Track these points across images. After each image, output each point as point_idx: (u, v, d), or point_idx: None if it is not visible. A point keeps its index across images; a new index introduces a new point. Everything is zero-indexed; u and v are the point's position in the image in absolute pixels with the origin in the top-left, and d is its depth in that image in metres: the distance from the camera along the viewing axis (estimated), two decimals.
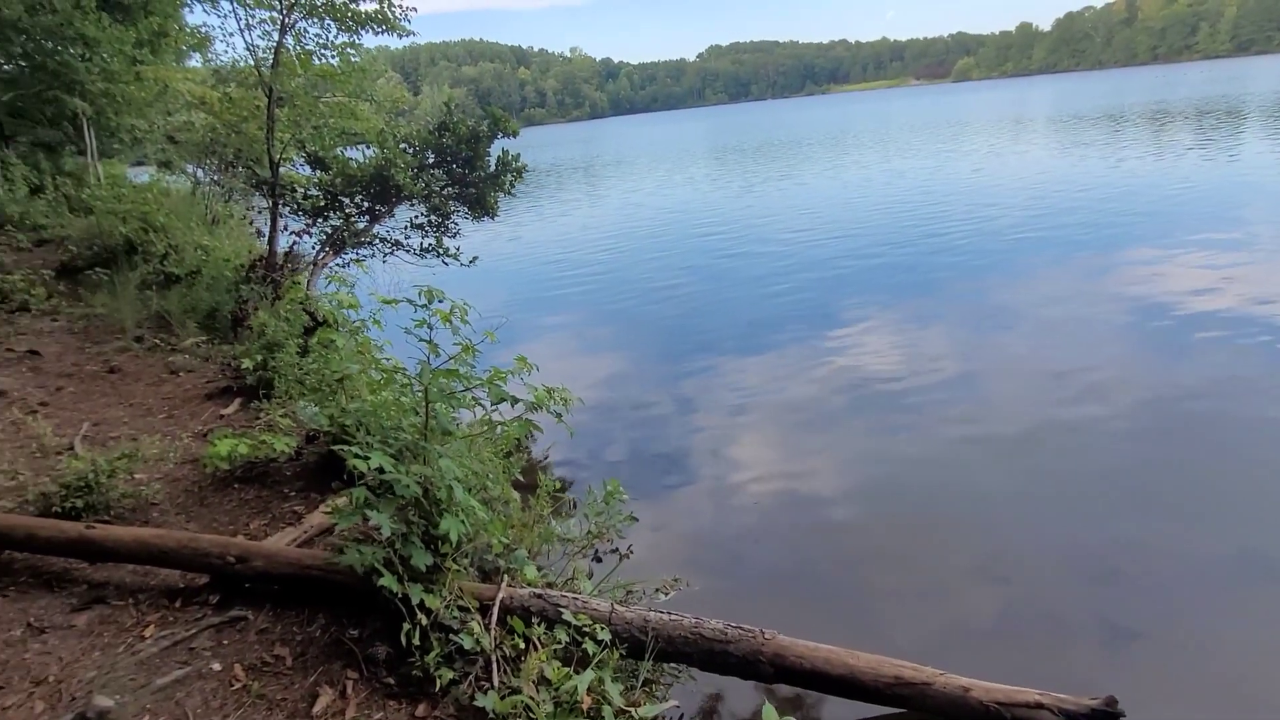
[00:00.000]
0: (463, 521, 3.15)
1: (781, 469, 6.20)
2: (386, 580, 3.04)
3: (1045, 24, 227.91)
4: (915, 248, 13.36)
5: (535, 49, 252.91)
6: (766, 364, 8.54)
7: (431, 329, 3.34)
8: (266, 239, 9.42)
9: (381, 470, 3.05)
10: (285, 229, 9.66)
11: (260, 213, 12.87)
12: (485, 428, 3.79)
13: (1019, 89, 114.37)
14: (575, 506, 4.70)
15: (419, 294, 3.30)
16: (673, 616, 3.42)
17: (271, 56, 8.88)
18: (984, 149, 30.16)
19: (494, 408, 3.52)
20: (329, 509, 4.08)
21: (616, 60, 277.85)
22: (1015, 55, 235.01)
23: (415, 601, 3.02)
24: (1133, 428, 6.21)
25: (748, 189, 24.92)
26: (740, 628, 3.38)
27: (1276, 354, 7.22)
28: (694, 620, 3.41)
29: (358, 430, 3.51)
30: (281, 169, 9.49)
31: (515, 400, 3.39)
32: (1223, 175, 17.93)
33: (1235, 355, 7.34)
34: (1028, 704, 3.11)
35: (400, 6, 9.13)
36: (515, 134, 8.81)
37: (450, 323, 3.31)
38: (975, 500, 5.50)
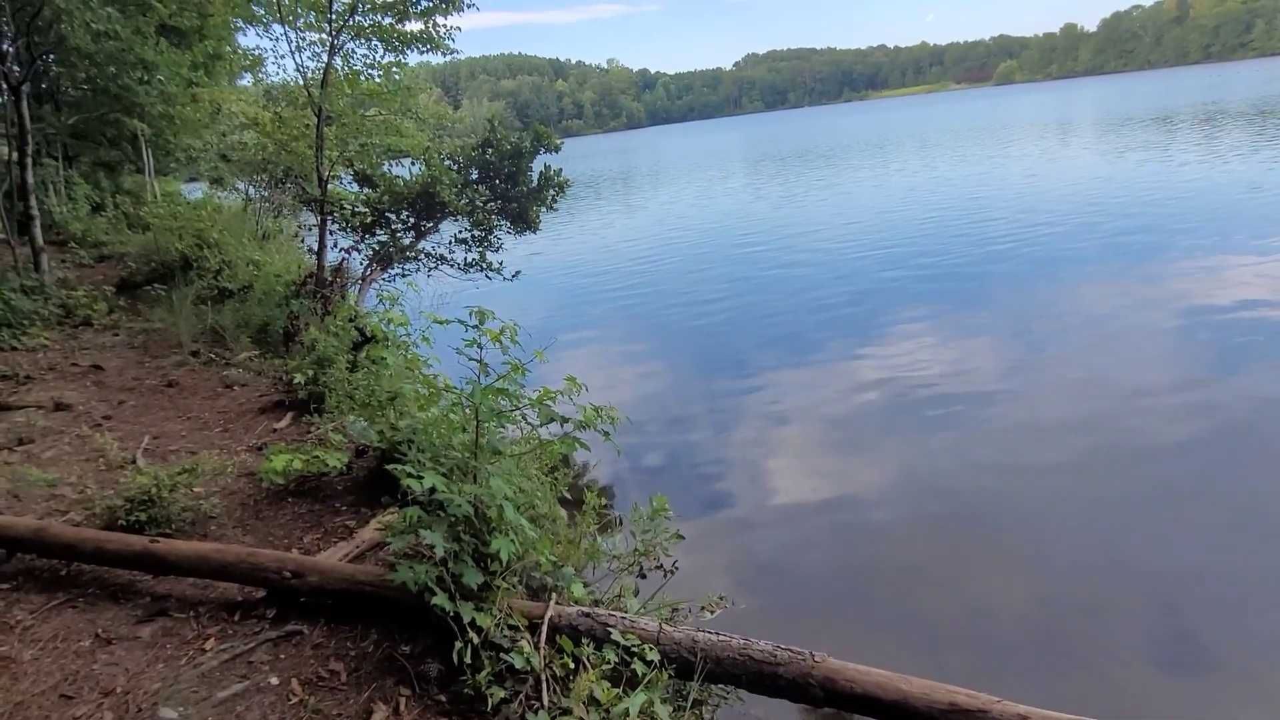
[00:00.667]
0: (513, 540, 3.18)
1: (825, 484, 6.13)
2: (439, 599, 3.07)
3: (1091, 25, 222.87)
4: (961, 256, 13.13)
5: (573, 61, 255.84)
6: (809, 377, 8.47)
7: (481, 348, 3.39)
8: (316, 255, 9.67)
9: (434, 490, 3.09)
10: (334, 245, 9.90)
11: (310, 229, 13.20)
12: (533, 445, 3.82)
13: (1065, 91, 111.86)
14: (620, 523, 4.71)
15: (470, 314, 3.34)
16: (721, 637, 3.39)
17: (321, 77, 9.13)
18: (1032, 154, 29.56)
19: (542, 425, 3.55)
20: (381, 526, 4.15)
21: (653, 71, 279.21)
22: (1060, 57, 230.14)
23: (467, 620, 3.05)
24: (1188, 441, 6.02)
25: (788, 198, 24.80)
26: (790, 649, 3.34)
27: None
28: (742, 641, 3.38)
29: (409, 448, 3.56)
30: (330, 186, 9.74)
31: (565, 420, 3.42)
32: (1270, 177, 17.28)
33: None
34: None
35: (445, 26, 9.32)
36: (557, 149, 8.92)
37: (500, 342, 3.35)
38: (1025, 517, 5.38)
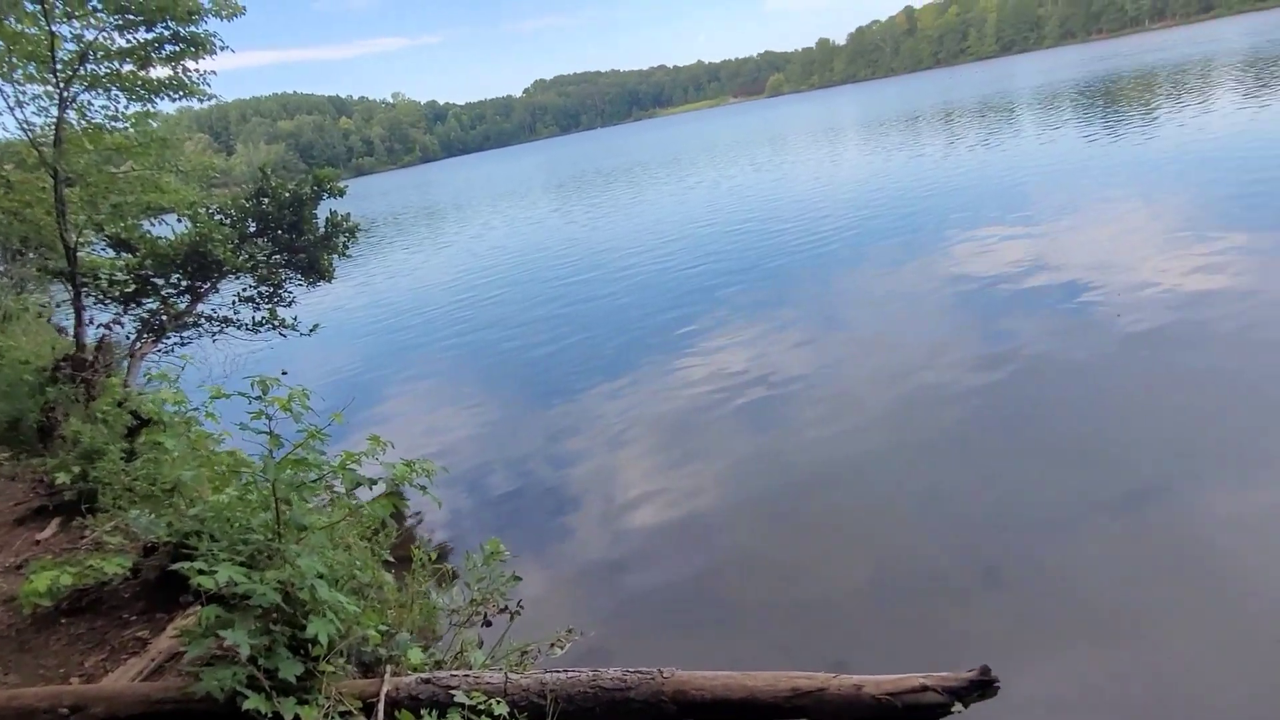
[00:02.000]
0: (332, 620, 2.95)
1: (665, 496, 6.28)
2: (253, 701, 2.78)
3: (841, 39, 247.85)
4: (762, 257, 14.05)
5: (355, 98, 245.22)
6: (636, 389, 8.66)
7: (270, 419, 3.12)
8: (72, 333, 8.50)
9: (234, 582, 2.80)
10: (92, 321, 8.76)
11: (61, 305, 11.59)
12: (345, 513, 3.58)
13: (828, 99, 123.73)
14: (453, 576, 4.53)
15: (252, 384, 3.08)
16: (570, 674, 3.35)
17: (53, 134, 8.06)
18: (814, 158, 32.27)
19: (351, 491, 3.33)
20: (177, 632, 3.70)
21: (442, 102, 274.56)
22: (819, 69, 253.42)
23: (289, 717, 2.78)
24: (972, 392, 6.81)
25: (596, 218, 25.30)
26: (639, 671, 3.36)
27: (1076, 309, 8.18)
28: (591, 673, 3.35)
29: (200, 539, 3.21)
30: (81, 254, 8.61)
31: (373, 482, 3.23)
32: (1008, 161, 20.18)
33: (1046, 313, 8.25)
34: (914, 688, 3.28)
35: (197, 70, 8.58)
36: (341, 194, 8.47)
37: (291, 409, 3.11)
38: (851, 488, 5.82)
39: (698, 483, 6.34)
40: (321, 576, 3.00)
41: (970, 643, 3.96)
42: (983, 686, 3.30)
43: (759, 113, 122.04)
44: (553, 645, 4.17)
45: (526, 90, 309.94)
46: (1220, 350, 6.79)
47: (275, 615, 3.00)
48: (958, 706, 3.25)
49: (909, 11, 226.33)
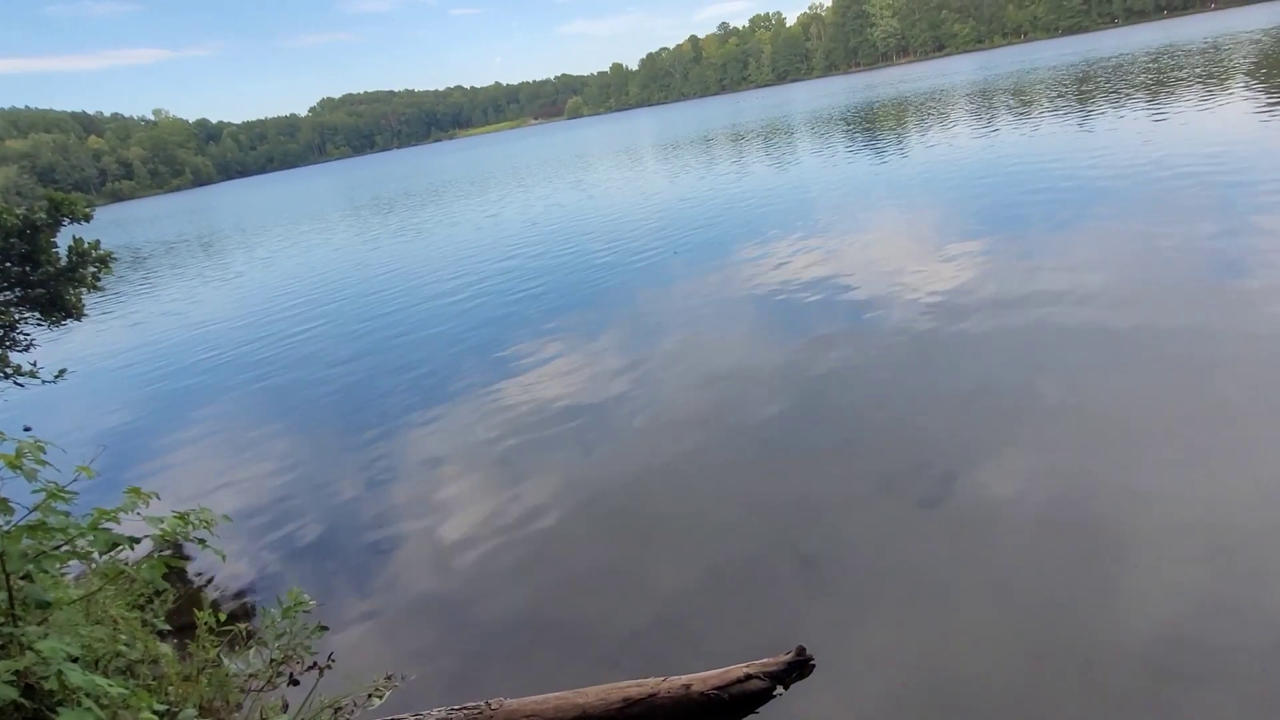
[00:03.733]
0: (91, 709, 2.51)
1: (486, 518, 6.07)
2: None
3: (634, 64, 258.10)
4: (573, 276, 14.13)
5: (106, 114, 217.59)
6: (453, 417, 8.33)
7: None
8: None
9: None
10: None
11: None
12: (107, 581, 3.08)
13: (624, 121, 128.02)
14: (247, 636, 4.06)
15: None
16: None
17: None
18: (611, 178, 33.10)
19: (110, 555, 2.87)
20: None
21: (216, 121, 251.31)
22: (615, 92, 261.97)
23: None
24: (777, 392, 7.24)
25: (398, 243, 24.22)
26: (465, 707, 3.20)
27: (861, 312, 9.00)
28: (413, 718, 3.14)
29: None
30: None
31: (134, 541, 2.80)
32: (792, 179, 21.96)
33: (836, 316, 8.99)
34: (739, 679, 3.41)
35: None
36: (86, 219, 7.38)
37: (21, 468, 2.63)
38: (677, 496, 5.93)
39: (521, 506, 6.20)
40: (75, 659, 2.55)
41: (793, 628, 4.18)
42: (800, 667, 3.49)
43: (560, 134, 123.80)
44: (370, 695, 3.86)
45: (313, 109, 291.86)
46: (978, 341, 7.77)
47: (14, 715, 2.50)
48: (779, 690, 3.41)
49: (694, 41, 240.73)
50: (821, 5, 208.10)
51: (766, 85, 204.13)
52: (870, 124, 36.59)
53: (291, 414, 9.42)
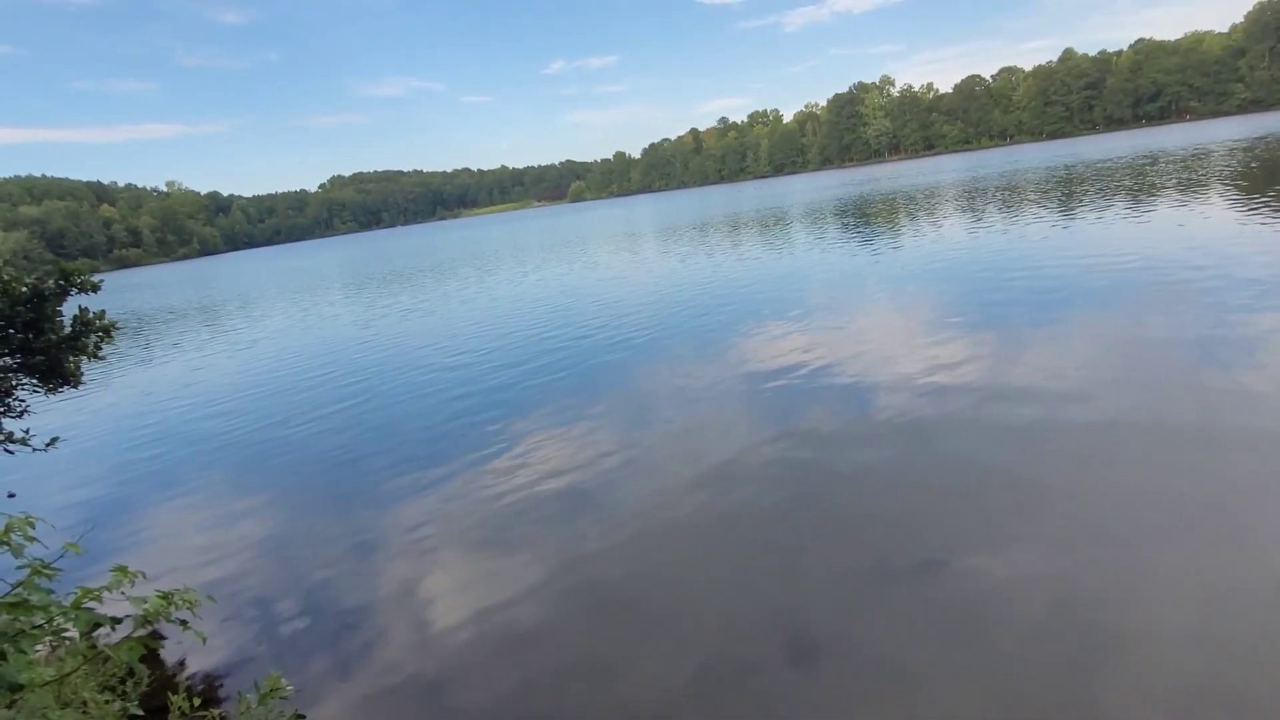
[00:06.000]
0: None
1: (476, 598, 5.94)
2: None
3: (636, 152, 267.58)
4: (569, 354, 14.25)
5: (120, 184, 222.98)
6: (445, 492, 8.26)
7: None
8: None
9: None
10: None
11: None
12: (81, 662, 3.00)
13: (627, 207, 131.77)
14: None
15: None
16: None
17: None
18: (611, 261, 33.79)
19: (90, 635, 2.81)
20: None
21: (226, 193, 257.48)
22: (618, 178, 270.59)
23: None
24: (768, 476, 7.20)
25: (400, 317, 24.47)
26: None
27: (852, 397, 9.06)
28: None
29: None
30: None
31: (115, 621, 2.75)
32: (787, 267, 22.45)
33: (828, 402, 9.03)
34: None
35: None
36: (94, 289, 7.49)
37: (9, 542, 2.61)
38: (663, 579, 5.84)
39: (507, 589, 6.09)
40: None
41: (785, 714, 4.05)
42: None
43: (564, 216, 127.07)
44: None
45: (323, 185, 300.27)
46: (969, 431, 7.81)
47: None
48: None
49: (695, 133, 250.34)
50: (817, 104, 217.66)
51: (764, 176, 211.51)
52: (864, 216, 37.69)
53: (281, 487, 9.32)
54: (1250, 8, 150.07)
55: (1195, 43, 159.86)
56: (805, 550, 5.98)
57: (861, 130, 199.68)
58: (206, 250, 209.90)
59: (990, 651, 4.47)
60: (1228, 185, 27.55)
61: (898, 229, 29.19)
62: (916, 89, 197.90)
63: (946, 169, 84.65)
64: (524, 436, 9.69)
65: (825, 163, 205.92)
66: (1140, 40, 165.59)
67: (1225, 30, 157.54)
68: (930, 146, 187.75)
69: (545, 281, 28.09)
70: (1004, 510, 6.11)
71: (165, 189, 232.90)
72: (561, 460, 8.64)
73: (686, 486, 7.49)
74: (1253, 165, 34.26)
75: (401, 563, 6.79)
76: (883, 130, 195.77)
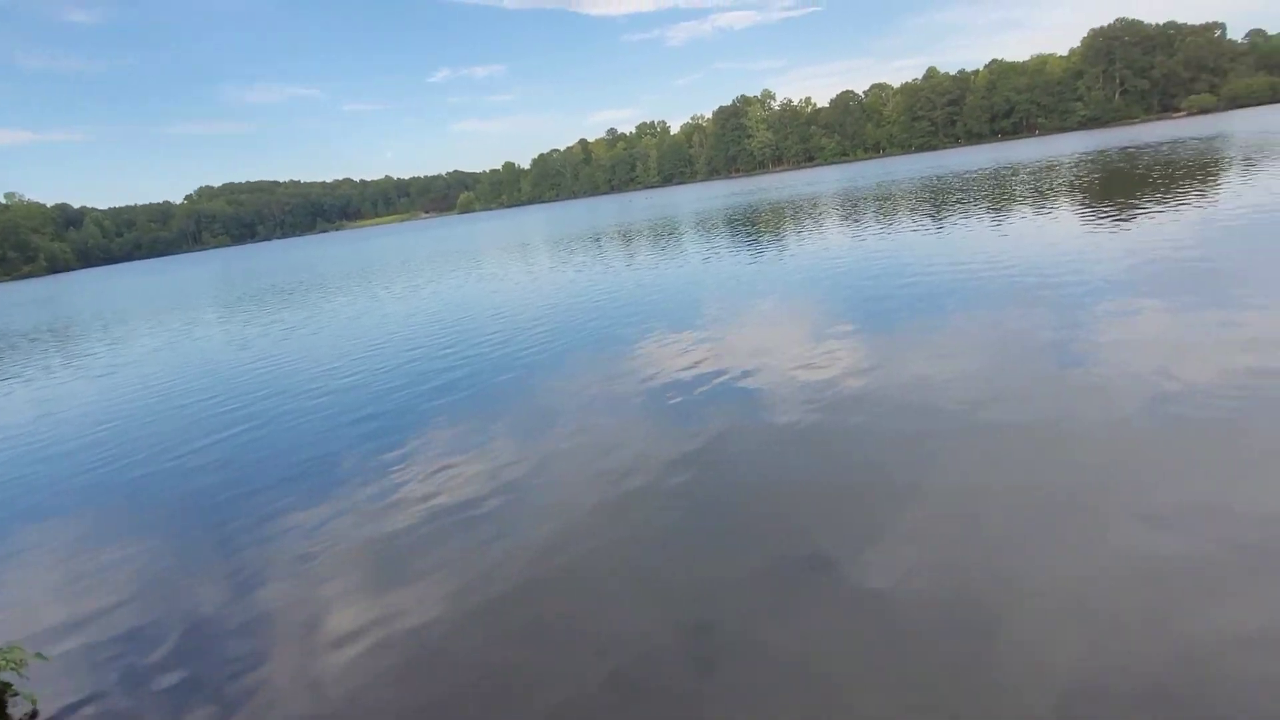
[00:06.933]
0: None
1: (369, 624, 5.66)
2: None
3: (525, 163, 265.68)
4: (459, 365, 13.90)
5: None
6: (331, 511, 7.85)
7: None
8: None
9: None
10: None
11: None
12: None
13: (517, 217, 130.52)
14: None
15: None
16: None
17: None
18: (504, 272, 33.32)
19: None
20: None
21: (78, 205, 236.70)
22: (507, 189, 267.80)
23: None
24: (668, 481, 7.26)
25: (280, 333, 23.15)
26: None
27: (746, 400, 9.29)
28: None
29: None
30: None
31: None
32: (682, 275, 22.84)
33: (722, 405, 9.21)
34: None
35: None
36: None
37: None
38: (570, 590, 5.74)
39: (406, 611, 5.84)
40: None
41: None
42: None
43: (453, 228, 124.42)
44: None
45: (189, 197, 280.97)
46: (857, 431, 8.17)
47: None
48: None
49: (584, 144, 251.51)
50: (703, 116, 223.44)
51: (653, 186, 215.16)
52: (753, 225, 38.91)
53: (152, 529, 8.58)
54: (1085, 34, 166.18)
55: (1040, 65, 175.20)
56: (709, 555, 6.06)
57: (746, 142, 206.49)
58: (56, 268, 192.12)
59: (885, 641, 4.68)
60: (1074, 195, 30.27)
61: (785, 237, 30.32)
62: (796, 103, 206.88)
63: (826, 179, 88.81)
64: (421, 458, 9.37)
65: (713, 173, 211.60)
66: (994, 61, 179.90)
67: (1065, 54, 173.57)
68: (810, 158, 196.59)
69: (439, 295, 27.37)
70: (891, 506, 6.41)
71: (4, 200, 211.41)
72: (460, 479, 8.40)
73: (588, 497, 7.46)
74: (1095, 177, 37.78)
75: (290, 598, 6.38)
76: (766, 142, 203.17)
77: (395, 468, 9.05)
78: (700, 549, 6.17)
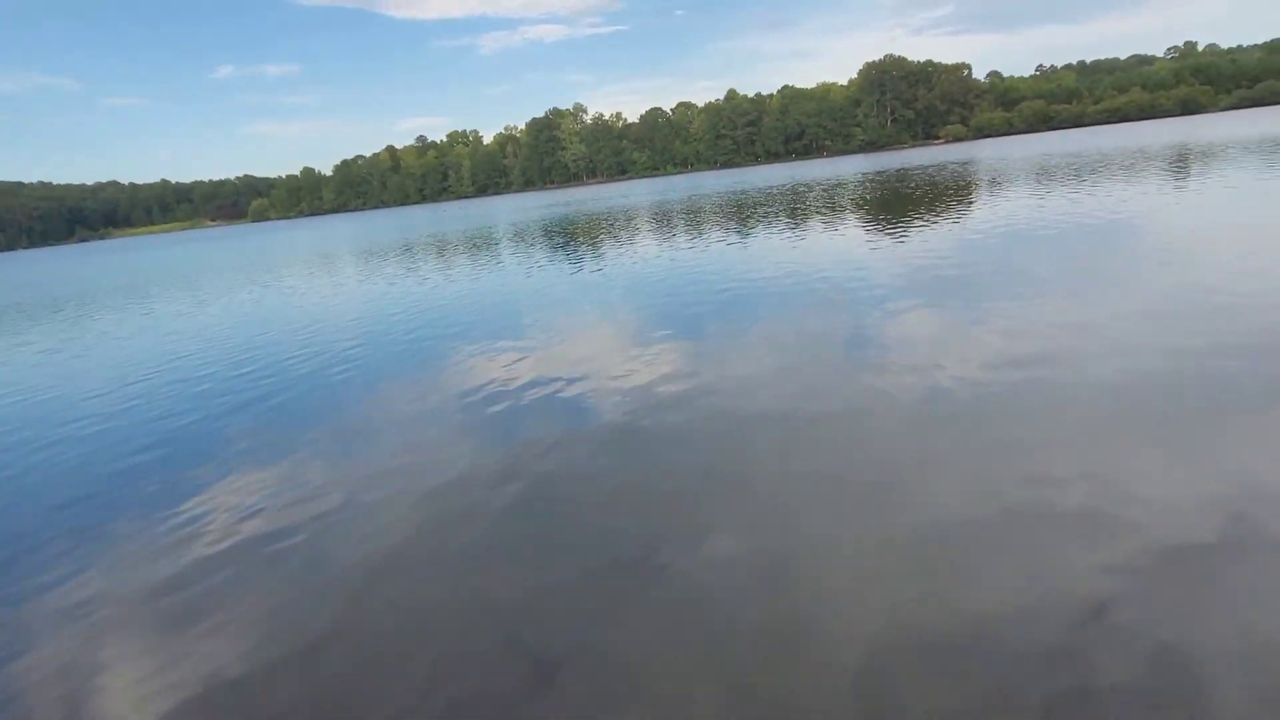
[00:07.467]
0: None
1: (163, 670, 5.02)
2: None
3: (327, 169, 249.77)
4: (262, 387, 12.74)
5: None
6: (116, 553, 6.89)
7: None
8: None
9: None
10: None
11: None
12: None
13: (319, 226, 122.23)
14: None
15: None
16: None
17: None
18: (305, 285, 31.03)
19: None
20: None
21: None
22: (308, 196, 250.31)
23: None
24: (494, 495, 7.10)
25: (41, 360, 19.93)
26: None
27: (571, 409, 9.33)
28: None
29: None
30: None
31: None
32: (501, 286, 22.52)
33: (547, 415, 9.18)
34: None
35: None
36: None
37: None
38: (397, 614, 5.44)
39: (216, 660, 5.25)
40: None
41: None
42: None
43: (246, 238, 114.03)
44: None
45: None
46: (679, 433, 8.48)
47: None
48: None
49: (392, 151, 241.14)
50: (516, 127, 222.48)
51: (467, 197, 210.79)
52: (570, 236, 39.26)
53: None
54: (861, 66, 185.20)
55: (825, 92, 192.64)
56: (540, 569, 6.00)
57: (560, 154, 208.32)
58: None
59: (711, 633, 4.88)
60: (860, 211, 33.55)
61: (603, 249, 30.89)
62: (607, 117, 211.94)
63: (639, 192, 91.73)
64: (219, 491, 8.47)
65: (528, 184, 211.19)
66: (786, 87, 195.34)
67: (845, 83, 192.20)
68: (623, 171, 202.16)
69: (233, 311, 24.94)
70: (713, 503, 6.70)
71: None
72: (267, 511, 7.69)
73: (411, 518, 7.12)
74: (876, 195, 42.09)
75: (53, 668, 5.51)
76: (580, 155, 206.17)
77: (187, 504, 8.11)
78: (531, 563, 6.09)
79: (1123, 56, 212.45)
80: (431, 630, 5.34)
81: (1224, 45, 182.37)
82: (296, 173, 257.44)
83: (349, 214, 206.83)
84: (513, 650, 4.97)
